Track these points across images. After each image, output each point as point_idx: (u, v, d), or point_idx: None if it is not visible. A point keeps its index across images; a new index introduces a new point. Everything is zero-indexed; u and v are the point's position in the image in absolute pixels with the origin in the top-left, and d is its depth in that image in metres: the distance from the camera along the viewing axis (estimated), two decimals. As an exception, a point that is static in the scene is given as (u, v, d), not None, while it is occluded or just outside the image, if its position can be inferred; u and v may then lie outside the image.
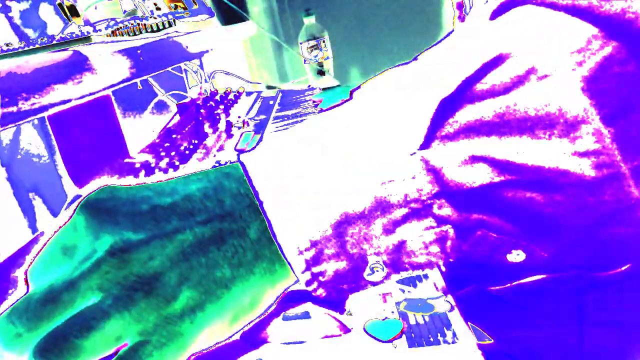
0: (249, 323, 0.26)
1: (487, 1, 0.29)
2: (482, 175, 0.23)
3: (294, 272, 0.25)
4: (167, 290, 0.23)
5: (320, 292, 0.25)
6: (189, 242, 0.23)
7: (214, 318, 0.24)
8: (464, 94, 0.24)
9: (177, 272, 0.23)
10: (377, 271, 0.25)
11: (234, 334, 0.25)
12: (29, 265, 0.25)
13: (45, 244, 0.25)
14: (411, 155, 0.24)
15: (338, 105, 0.27)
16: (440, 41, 0.28)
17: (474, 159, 0.23)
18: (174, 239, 0.23)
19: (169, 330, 0.22)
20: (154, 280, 0.22)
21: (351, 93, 0.28)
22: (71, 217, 0.25)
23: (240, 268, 0.24)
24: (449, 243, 0.25)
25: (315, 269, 0.25)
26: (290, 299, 0.27)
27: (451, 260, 0.25)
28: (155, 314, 0.22)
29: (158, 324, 0.22)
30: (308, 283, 0.25)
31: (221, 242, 0.24)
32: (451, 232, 0.24)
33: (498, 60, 0.24)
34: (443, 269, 0.26)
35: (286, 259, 0.24)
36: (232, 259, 0.24)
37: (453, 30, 0.29)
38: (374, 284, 0.26)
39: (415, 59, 0.28)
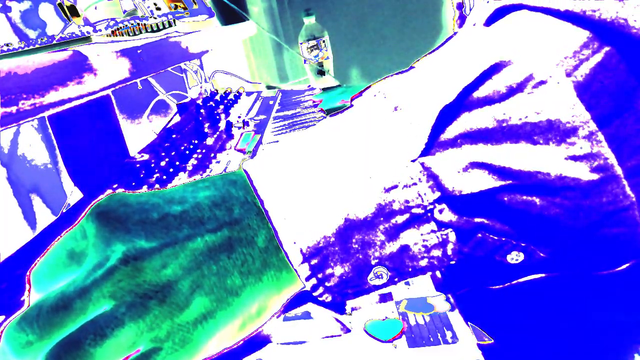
0: (256, 329, 0.26)
1: (488, 1, 0.29)
2: (481, 181, 0.23)
3: (300, 278, 0.25)
4: (180, 298, 0.23)
5: (326, 297, 0.26)
6: (200, 250, 0.24)
7: (224, 325, 0.24)
8: (464, 101, 0.24)
9: (190, 279, 0.23)
10: (381, 276, 0.25)
11: (240, 340, 0.25)
12: (33, 266, 0.25)
13: (50, 247, 0.25)
14: (412, 161, 0.24)
15: (339, 111, 0.28)
16: (438, 48, 0.29)
17: (474, 165, 0.24)
18: (185, 247, 0.24)
19: (181, 337, 0.23)
20: (167, 288, 0.23)
21: (352, 99, 0.28)
22: (79, 222, 0.25)
23: (250, 276, 0.24)
24: (450, 246, 0.25)
25: (320, 275, 0.25)
26: (292, 300, 0.27)
27: (452, 262, 0.25)
28: (169, 321, 0.22)
29: (171, 331, 0.23)
30: (314, 288, 0.25)
31: (231, 250, 0.24)
32: (452, 235, 0.25)
33: (496, 68, 0.24)
34: (443, 269, 0.26)
35: (292, 266, 0.25)
36: (242, 267, 0.24)
37: (451, 37, 0.29)
38: (378, 288, 0.26)
39: (412, 67, 0.28)
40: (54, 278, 0.24)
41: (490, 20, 0.28)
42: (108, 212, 0.24)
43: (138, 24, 0.83)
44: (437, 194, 0.24)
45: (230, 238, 0.24)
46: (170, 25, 0.87)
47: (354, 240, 0.24)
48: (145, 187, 0.68)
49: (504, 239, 0.25)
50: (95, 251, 0.23)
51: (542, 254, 0.25)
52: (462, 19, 0.52)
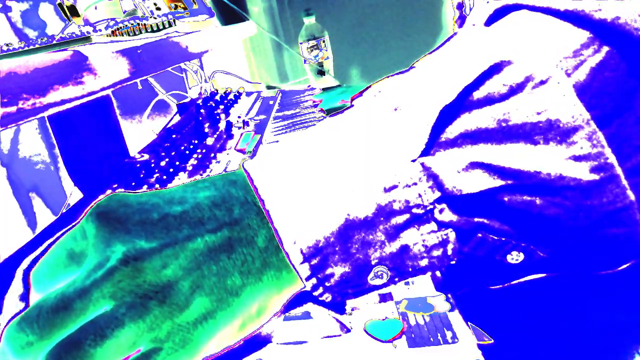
0: (256, 329, 0.26)
1: (488, 1, 0.29)
2: (481, 181, 0.24)
3: (300, 278, 0.25)
4: (180, 298, 0.23)
5: (326, 296, 0.26)
6: (200, 251, 0.24)
7: (224, 325, 0.24)
8: (464, 101, 0.24)
9: (190, 280, 0.23)
10: (381, 276, 0.25)
11: (240, 340, 0.26)
12: (32, 266, 0.25)
13: (48, 246, 0.25)
14: (412, 161, 0.24)
15: (339, 111, 0.28)
16: (438, 48, 0.29)
17: (474, 165, 0.24)
18: (185, 248, 0.24)
19: (181, 337, 0.23)
20: (167, 289, 0.23)
21: (352, 99, 0.28)
22: (78, 222, 0.25)
23: (250, 276, 0.24)
24: (450, 246, 0.25)
25: (320, 275, 0.25)
26: (292, 300, 0.27)
27: (452, 262, 0.26)
28: (169, 321, 0.23)
29: (171, 331, 0.23)
30: (314, 288, 0.25)
31: (231, 250, 0.24)
32: (452, 235, 0.25)
33: (496, 68, 0.24)
34: (443, 269, 0.27)
35: (293, 266, 0.25)
36: (242, 267, 0.24)
37: (451, 37, 0.29)
38: (379, 288, 0.26)
39: (413, 67, 0.28)
40: (53, 278, 0.25)
41: (490, 20, 0.28)
42: (108, 213, 0.24)
43: (138, 24, 0.83)
44: (437, 194, 0.24)
45: (230, 238, 0.24)
46: (170, 25, 0.87)
47: (354, 240, 0.24)
48: (145, 187, 0.68)
49: (503, 238, 0.25)
50: (95, 251, 0.23)
51: (542, 254, 0.25)
52: (462, 19, 0.52)
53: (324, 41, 1.42)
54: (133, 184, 0.68)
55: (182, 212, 0.24)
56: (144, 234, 0.23)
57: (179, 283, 0.23)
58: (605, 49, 0.23)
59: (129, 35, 0.80)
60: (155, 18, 0.92)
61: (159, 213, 0.24)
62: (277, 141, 0.86)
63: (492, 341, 0.39)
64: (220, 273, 0.24)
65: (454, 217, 0.24)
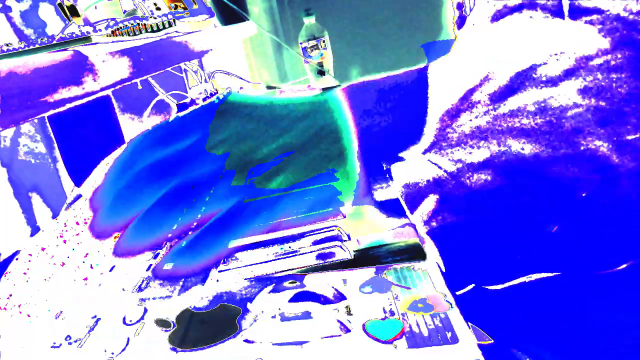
0: None
1: (488, 1, 0.29)
2: (483, 179, 0.24)
3: (365, 187, 0.30)
4: (268, 171, 0.30)
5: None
6: (290, 142, 0.30)
7: (295, 200, 0.26)
8: (467, 103, 0.25)
9: (278, 161, 0.29)
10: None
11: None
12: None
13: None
14: (414, 160, 0.25)
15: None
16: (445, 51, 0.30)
17: (475, 164, 0.24)
18: (282, 135, 0.30)
19: (264, 201, 0.26)
20: (261, 163, 0.30)
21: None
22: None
23: (320, 173, 0.29)
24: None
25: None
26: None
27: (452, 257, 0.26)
28: (258, 186, 0.28)
29: (259, 193, 0.25)
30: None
31: (317, 146, 0.30)
32: (453, 231, 0.25)
33: (498, 69, 0.24)
34: (443, 269, 0.27)
35: (370, 179, 0.30)
36: (322, 162, 0.30)
37: (454, 39, 0.30)
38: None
39: (415, 69, 0.29)
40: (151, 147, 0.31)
41: (496, 18, 0.29)
42: (224, 107, 0.31)
43: (138, 24, 0.83)
44: (440, 193, 0.24)
45: (314, 140, 0.29)
46: (170, 25, 0.87)
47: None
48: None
49: (504, 237, 0.25)
50: (204, 129, 0.30)
51: (542, 253, 0.25)
52: (462, 19, 0.52)
53: (324, 41, 1.42)
54: (133, 184, 0.68)
55: (285, 113, 0.30)
56: (249, 119, 0.29)
57: (271, 159, 0.28)
58: (607, 48, 0.23)
59: (129, 35, 0.80)
60: (155, 18, 0.92)
61: (269, 109, 0.30)
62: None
63: (492, 341, 0.40)
64: (301, 161, 0.29)
65: (455, 215, 0.25)
